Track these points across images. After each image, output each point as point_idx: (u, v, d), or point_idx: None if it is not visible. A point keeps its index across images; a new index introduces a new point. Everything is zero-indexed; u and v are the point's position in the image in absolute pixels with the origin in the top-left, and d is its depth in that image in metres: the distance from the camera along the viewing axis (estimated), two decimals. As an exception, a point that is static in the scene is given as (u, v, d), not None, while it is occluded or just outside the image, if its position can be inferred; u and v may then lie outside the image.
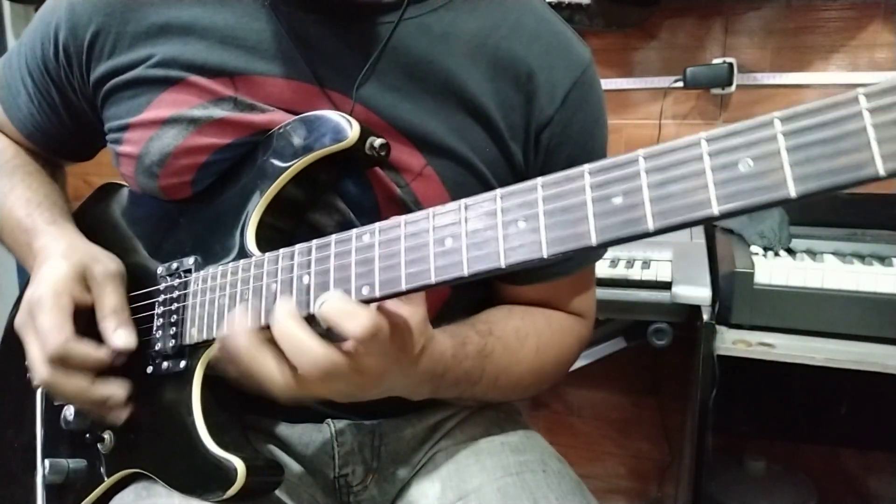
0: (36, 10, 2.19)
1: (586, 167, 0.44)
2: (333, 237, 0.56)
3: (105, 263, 0.70)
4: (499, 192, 0.48)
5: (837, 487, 1.68)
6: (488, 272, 0.47)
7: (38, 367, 0.65)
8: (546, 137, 0.71)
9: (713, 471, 1.52)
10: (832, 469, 1.70)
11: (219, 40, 0.68)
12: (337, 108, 0.67)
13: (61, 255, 0.69)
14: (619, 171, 0.43)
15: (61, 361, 0.64)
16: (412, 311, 0.55)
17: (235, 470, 0.60)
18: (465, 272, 0.48)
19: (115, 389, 0.67)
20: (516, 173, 0.72)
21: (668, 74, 1.64)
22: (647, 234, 0.42)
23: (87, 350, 0.65)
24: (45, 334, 0.64)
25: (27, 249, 0.74)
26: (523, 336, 0.73)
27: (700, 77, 1.59)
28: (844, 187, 0.37)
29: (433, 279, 0.49)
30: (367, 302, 0.52)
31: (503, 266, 0.47)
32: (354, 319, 0.51)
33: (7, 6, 2.06)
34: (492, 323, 0.72)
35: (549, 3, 0.79)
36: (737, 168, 0.39)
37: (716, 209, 0.39)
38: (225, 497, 0.61)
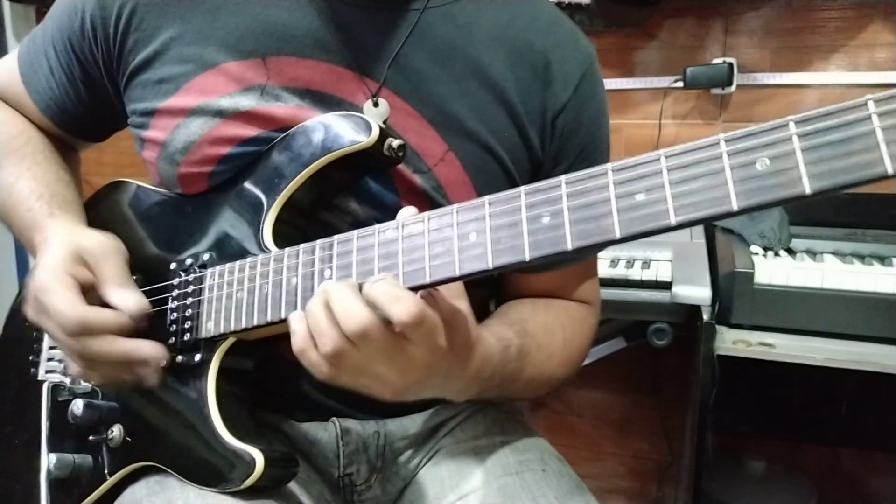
0: (36, 10, 2.19)
1: (609, 165, 0.47)
2: (355, 232, 0.57)
3: (97, 237, 0.70)
4: (523, 189, 0.50)
5: (837, 487, 1.68)
6: (512, 265, 0.49)
7: (65, 345, 0.65)
8: (561, 123, 0.74)
9: (713, 471, 1.52)
10: (832, 469, 1.70)
11: (251, 19, 0.69)
12: (367, 89, 0.69)
13: (55, 244, 0.69)
14: (642, 169, 0.45)
15: (83, 332, 0.64)
16: (463, 306, 0.56)
17: (254, 460, 0.61)
18: (490, 265, 0.50)
19: (146, 346, 0.66)
20: (532, 159, 0.74)
21: (668, 74, 1.64)
22: (669, 228, 0.44)
23: (105, 315, 0.65)
24: (59, 313, 0.64)
25: (31, 245, 0.75)
26: (551, 331, 0.75)
27: (700, 77, 1.59)
28: (856, 185, 0.39)
29: (458, 271, 0.51)
30: None
31: (527, 259, 0.49)
32: (400, 304, 0.50)
33: (7, 6, 2.06)
34: (523, 322, 0.73)
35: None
36: (754, 167, 0.42)
37: (735, 204, 0.42)
38: (242, 487, 0.61)
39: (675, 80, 1.62)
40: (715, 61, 1.60)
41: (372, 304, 0.51)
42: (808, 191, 0.40)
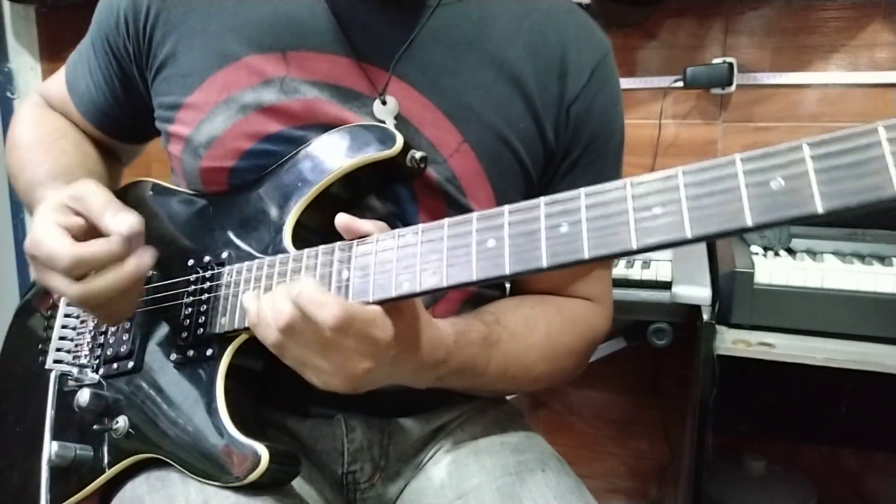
0: (36, 10, 2.18)
1: (628, 181, 0.48)
2: (375, 236, 0.58)
3: (77, 183, 0.68)
4: (543, 199, 0.51)
5: (837, 487, 1.68)
6: (529, 272, 0.50)
7: (65, 289, 0.64)
8: (574, 112, 0.74)
9: (713, 471, 1.52)
10: (832, 469, 1.69)
11: (271, 15, 0.71)
12: (375, 83, 0.70)
13: (45, 202, 0.67)
14: (659, 185, 0.46)
15: (79, 269, 0.62)
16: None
17: (259, 455, 0.61)
18: (507, 271, 0.51)
19: (144, 257, 0.64)
20: (547, 149, 0.75)
21: (668, 74, 1.63)
22: (685, 242, 0.45)
23: (96, 247, 0.63)
24: (51, 258, 0.62)
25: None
26: (532, 324, 0.74)
27: (700, 77, 1.58)
28: (866, 206, 0.40)
29: (475, 276, 0.52)
30: (407, 297, 0.55)
31: (545, 266, 0.49)
32: (325, 309, 0.53)
33: (7, 6, 2.06)
34: (499, 313, 0.73)
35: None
36: (769, 185, 0.43)
37: (749, 221, 0.43)
38: (245, 482, 0.61)
39: (675, 80, 1.61)
40: (715, 61, 1.60)
41: (299, 308, 0.54)
42: (820, 210, 0.41)
